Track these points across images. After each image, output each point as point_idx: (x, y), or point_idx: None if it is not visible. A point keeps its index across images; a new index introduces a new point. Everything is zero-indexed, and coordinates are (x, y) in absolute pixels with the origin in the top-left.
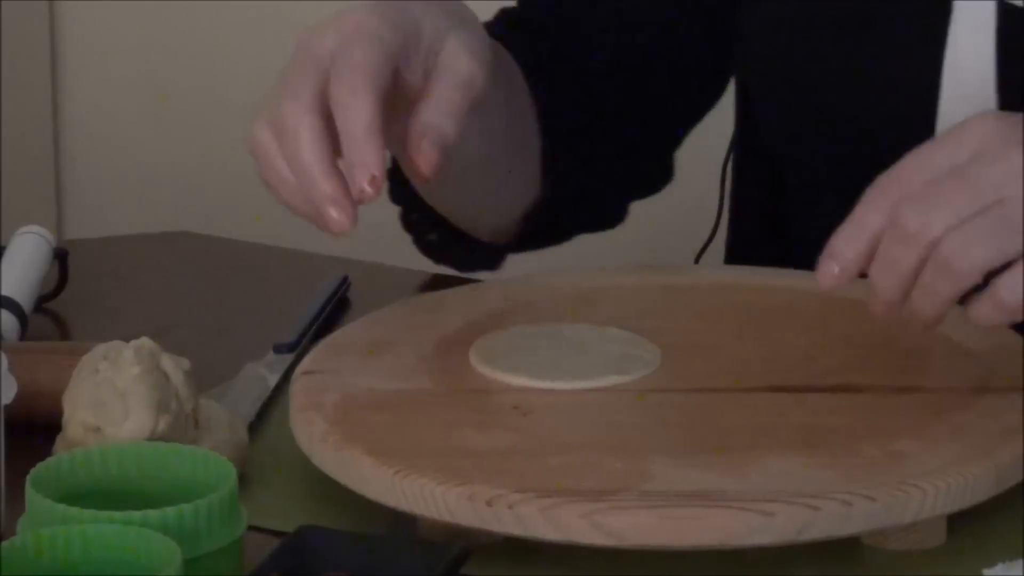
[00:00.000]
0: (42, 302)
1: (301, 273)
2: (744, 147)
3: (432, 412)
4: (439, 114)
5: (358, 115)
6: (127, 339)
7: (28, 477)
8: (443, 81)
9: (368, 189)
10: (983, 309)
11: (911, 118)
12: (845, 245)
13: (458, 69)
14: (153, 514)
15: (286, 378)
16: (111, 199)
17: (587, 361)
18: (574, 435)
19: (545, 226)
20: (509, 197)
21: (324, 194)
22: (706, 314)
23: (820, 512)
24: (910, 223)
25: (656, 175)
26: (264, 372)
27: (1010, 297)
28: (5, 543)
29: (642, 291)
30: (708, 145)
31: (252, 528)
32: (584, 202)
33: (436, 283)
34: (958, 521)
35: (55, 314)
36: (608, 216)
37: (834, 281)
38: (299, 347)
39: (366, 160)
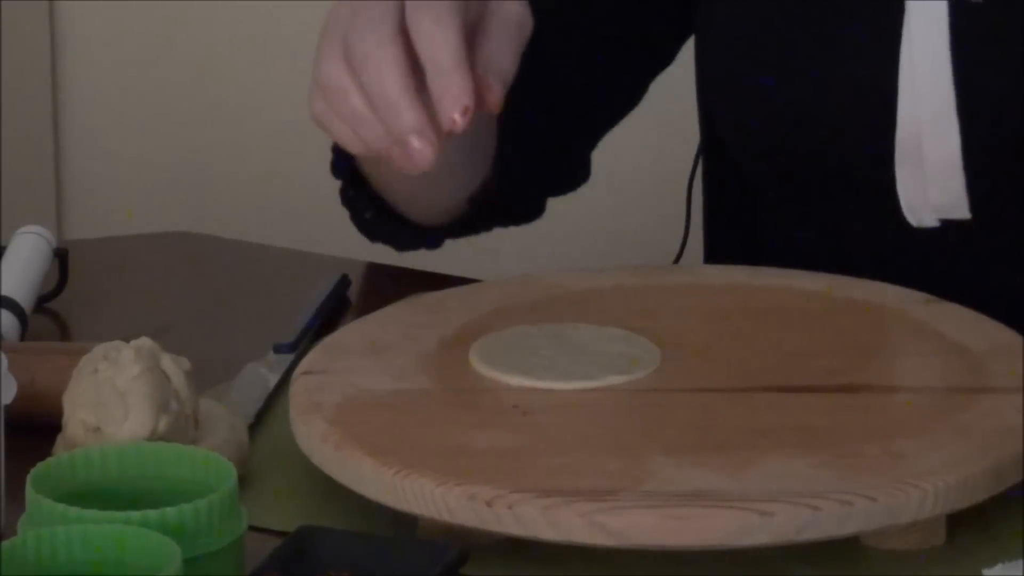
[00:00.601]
0: (42, 302)
1: (301, 273)
2: (712, 156)
3: (432, 412)
4: (500, 52)
5: (445, 44)
6: (127, 339)
7: (28, 477)
8: (500, 19)
9: (459, 119)
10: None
11: (870, 117)
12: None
13: (511, 9)
14: (153, 514)
15: (286, 378)
16: (111, 199)
17: (587, 361)
18: (574, 435)
19: (481, 213)
20: (459, 187)
21: (409, 124)
22: (706, 314)
23: (820, 512)
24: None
25: (576, 174)
26: (264, 372)
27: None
28: (5, 543)
29: (642, 291)
30: (680, 155)
31: (252, 528)
32: (509, 195)
33: (436, 283)
34: (958, 521)
35: (55, 314)
36: (528, 211)
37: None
38: (299, 347)
39: (456, 90)
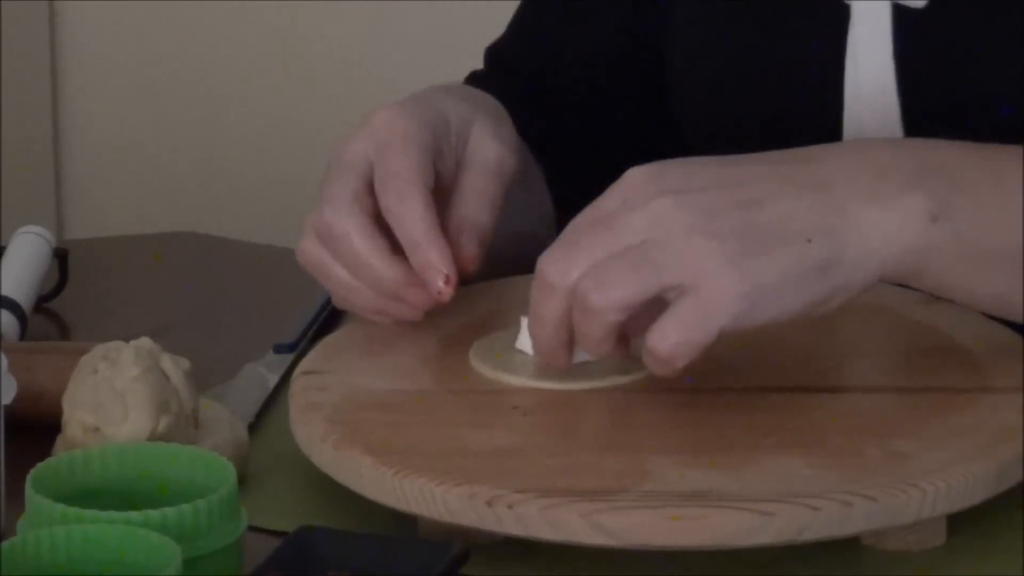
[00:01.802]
0: (42, 302)
1: (301, 273)
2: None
3: (432, 412)
4: (474, 208)
5: (413, 221)
6: (127, 339)
7: (28, 477)
8: (474, 172)
9: (445, 288)
10: (649, 362)
11: (818, 120)
12: (538, 334)
13: (487, 158)
14: (153, 514)
15: (286, 378)
16: (111, 199)
17: (587, 361)
18: (574, 435)
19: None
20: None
21: (393, 280)
22: None
23: (820, 512)
24: (547, 273)
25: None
26: (264, 372)
27: (659, 344)
28: (5, 543)
29: None
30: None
31: (252, 528)
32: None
33: None
34: (958, 521)
35: (55, 314)
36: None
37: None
38: (299, 347)
39: (435, 261)
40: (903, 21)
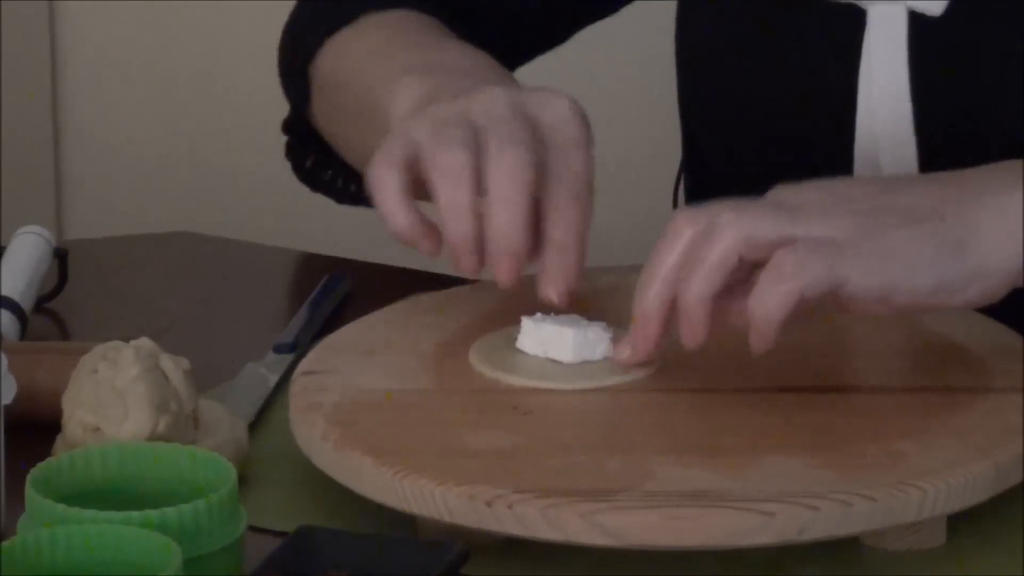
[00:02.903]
0: (42, 302)
1: (301, 273)
2: (692, 169)
3: (432, 412)
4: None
5: (574, 224)
6: (127, 339)
7: (28, 477)
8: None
9: (554, 296)
10: (748, 317)
11: (831, 128)
12: (645, 292)
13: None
14: (153, 514)
15: (286, 378)
16: (111, 199)
17: (587, 361)
18: (574, 435)
19: None
20: None
21: (513, 250)
22: None
23: (820, 512)
24: (680, 218)
25: None
26: (264, 372)
27: (759, 309)
28: (5, 543)
29: None
30: (665, 165)
31: (252, 528)
32: None
33: (436, 283)
34: (958, 521)
35: (55, 314)
36: None
37: (646, 346)
38: (299, 347)
39: (569, 272)
40: (919, 28)
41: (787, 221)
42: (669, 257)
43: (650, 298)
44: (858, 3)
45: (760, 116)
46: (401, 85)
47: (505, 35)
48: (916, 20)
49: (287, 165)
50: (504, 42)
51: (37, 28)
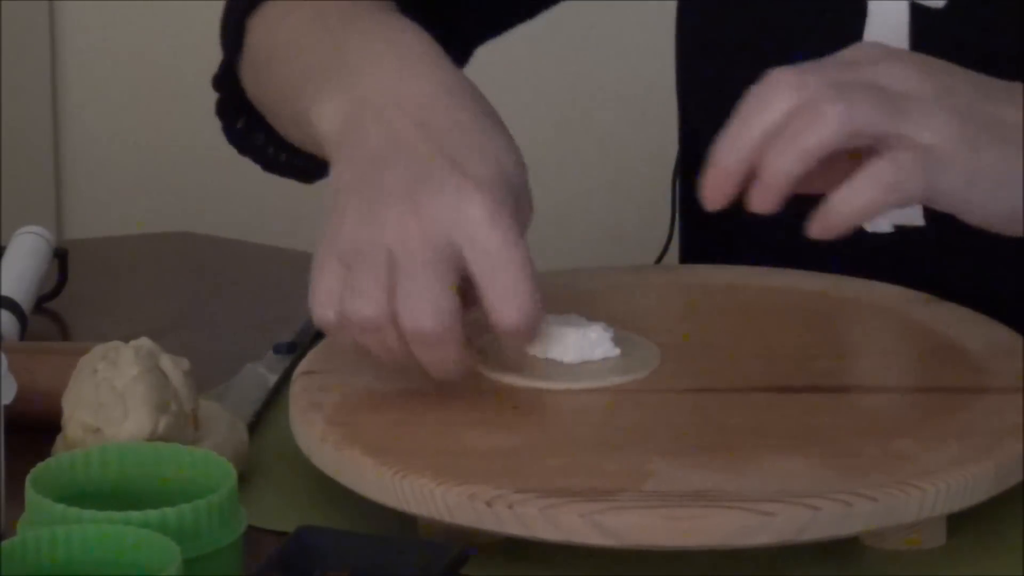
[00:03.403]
0: (42, 302)
1: (301, 273)
2: (690, 164)
3: (432, 412)
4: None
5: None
6: (127, 339)
7: (28, 477)
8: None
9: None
10: (825, 218)
11: None
12: (732, 144)
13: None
14: (153, 514)
15: (286, 378)
16: (111, 199)
17: (587, 361)
18: (574, 435)
19: None
20: None
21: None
22: (706, 314)
23: (820, 512)
24: (780, 75)
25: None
26: (264, 372)
27: (843, 207)
28: (5, 543)
29: (642, 291)
30: (661, 163)
31: (252, 528)
32: None
33: None
34: (958, 521)
35: (55, 314)
36: None
37: (721, 186)
38: (299, 347)
39: (450, 362)
40: (921, 21)
41: (893, 116)
42: (763, 118)
43: (733, 153)
44: None
45: None
46: (323, 99)
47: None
48: (918, 12)
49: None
50: (467, 12)
51: (37, 28)
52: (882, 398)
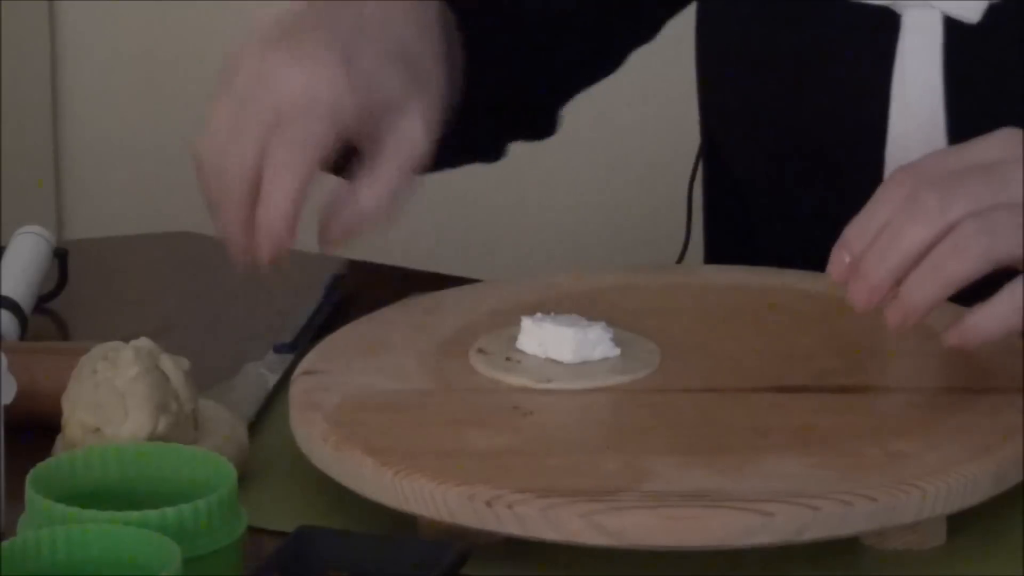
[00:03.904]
0: (42, 302)
1: (301, 273)
2: (711, 159)
3: (432, 412)
4: (374, 199)
5: (286, 197)
6: (127, 339)
7: (28, 477)
8: (389, 159)
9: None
10: (958, 334)
11: (862, 134)
12: (858, 234)
13: (407, 150)
14: (153, 514)
15: (286, 378)
16: (111, 199)
17: (586, 361)
18: (574, 435)
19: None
20: None
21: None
22: (706, 314)
23: (820, 512)
24: (929, 200)
25: (539, 124)
26: (264, 372)
27: (983, 325)
28: (5, 543)
29: (642, 291)
30: (682, 156)
31: (252, 528)
32: (471, 124)
33: (436, 283)
34: (958, 521)
35: (55, 314)
36: (487, 149)
37: (845, 272)
38: (299, 347)
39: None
40: (955, 36)
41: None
42: (905, 245)
43: (878, 272)
44: (892, 6)
45: (787, 121)
46: None
47: (547, 62)
48: (952, 26)
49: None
50: (546, 67)
51: (37, 28)
52: (882, 398)
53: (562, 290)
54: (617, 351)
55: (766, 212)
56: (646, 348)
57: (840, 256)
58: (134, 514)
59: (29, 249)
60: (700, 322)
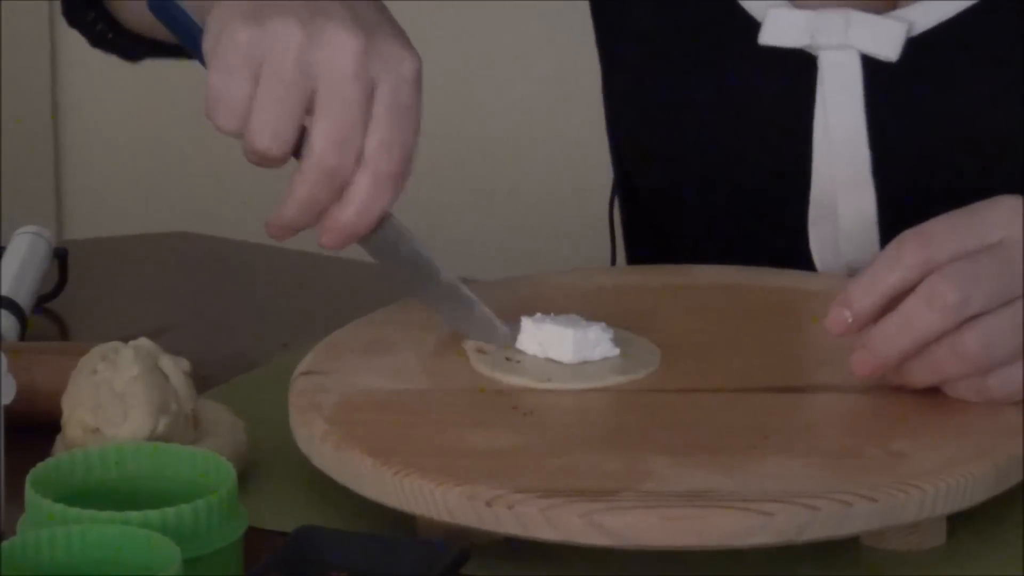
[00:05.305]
0: (42, 302)
1: (301, 273)
2: (625, 194)
3: (432, 412)
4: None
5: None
6: (126, 339)
7: (28, 477)
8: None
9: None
10: (967, 392)
11: (786, 175)
12: (862, 295)
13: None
14: (153, 514)
15: (285, 377)
16: (111, 199)
17: (586, 361)
18: (574, 435)
19: None
20: None
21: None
22: (706, 314)
23: (820, 512)
24: (949, 295)
25: None
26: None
27: (1001, 391)
28: (5, 543)
29: (642, 291)
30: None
31: (252, 528)
32: None
33: None
34: (958, 521)
35: (55, 314)
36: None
37: (845, 330)
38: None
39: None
40: (874, 74)
41: (1019, 332)
42: (931, 329)
43: (890, 355)
44: (809, 49)
45: (709, 166)
46: None
47: None
48: (870, 65)
49: (287, 165)
50: None
51: (37, 28)
52: (882, 398)
53: (562, 290)
54: (617, 351)
55: (689, 253)
56: (646, 348)
57: (840, 313)
58: (134, 514)
59: (29, 249)
60: (700, 322)
